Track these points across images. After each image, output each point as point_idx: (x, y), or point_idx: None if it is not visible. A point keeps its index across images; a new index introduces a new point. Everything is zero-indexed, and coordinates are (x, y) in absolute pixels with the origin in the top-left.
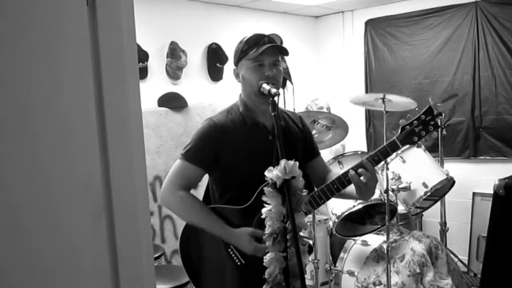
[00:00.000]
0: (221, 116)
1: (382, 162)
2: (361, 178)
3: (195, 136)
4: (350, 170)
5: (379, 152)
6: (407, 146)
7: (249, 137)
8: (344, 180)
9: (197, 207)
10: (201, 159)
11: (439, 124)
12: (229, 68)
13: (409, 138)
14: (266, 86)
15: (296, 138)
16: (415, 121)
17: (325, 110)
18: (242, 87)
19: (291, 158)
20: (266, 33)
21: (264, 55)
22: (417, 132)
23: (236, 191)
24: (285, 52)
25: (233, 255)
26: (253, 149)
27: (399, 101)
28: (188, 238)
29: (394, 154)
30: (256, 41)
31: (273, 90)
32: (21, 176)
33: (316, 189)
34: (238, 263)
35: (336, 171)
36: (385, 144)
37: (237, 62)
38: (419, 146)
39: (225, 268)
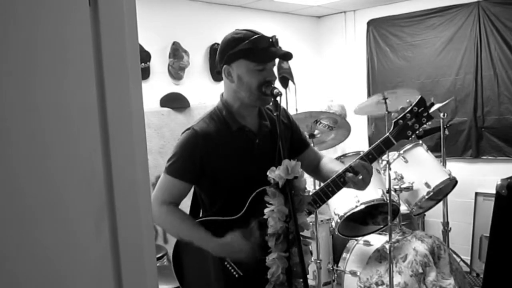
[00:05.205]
0: (204, 124)
1: (385, 162)
2: (358, 176)
3: (178, 148)
4: (347, 173)
5: (373, 150)
6: (410, 146)
7: (236, 143)
8: (339, 182)
9: (183, 220)
10: (187, 173)
11: (432, 115)
12: None
13: (403, 133)
14: (269, 86)
15: (284, 138)
16: (407, 114)
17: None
18: (234, 88)
19: (279, 160)
20: (267, 33)
21: (270, 60)
22: (411, 125)
23: (227, 199)
24: (290, 57)
25: (230, 268)
26: (241, 155)
27: (402, 95)
28: (180, 256)
29: (396, 154)
30: (263, 43)
31: (276, 91)
32: (25, 173)
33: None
34: (236, 275)
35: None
36: (379, 141)
37: (231, 61)
38: (418, 140)
39: (223, 282)
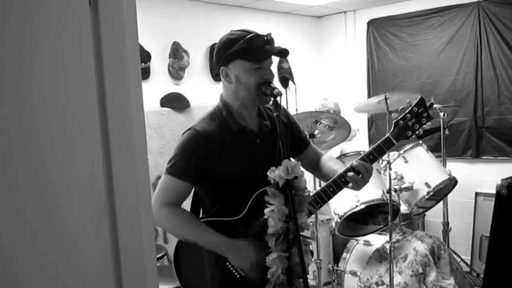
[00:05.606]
0: (204, 124)
1: (385, 162)
2: (360, 176)
3: (179, 148)
4: (348, 173)
5: (374, 150)
6: (410, 146)
7: (237, 144)
8: (340, 182)
9: (187, 220)
10: (188, 173)
11: (432, 115)
12: None
13: (403, 133)
14: (269, 86)
15: (284, 137)
16: (407, 115)
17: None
18: (233, 89)
19: (279, 160)
20: (263, 32)
21: (266, 58)
22: (411, 126)
23: (228, 200)
24: (287, 54)
25: (231, 268)
26: (242, 155)
27: (403, 98)
28: (181, 256)
29: (397, 154)
30: (257, 42)
31: (276, 91)
32: (25, 174)
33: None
34: (238, 276)
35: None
36: (379, 141)
37: (227, 62)
38: (419, 140)
39: (224, 282)
